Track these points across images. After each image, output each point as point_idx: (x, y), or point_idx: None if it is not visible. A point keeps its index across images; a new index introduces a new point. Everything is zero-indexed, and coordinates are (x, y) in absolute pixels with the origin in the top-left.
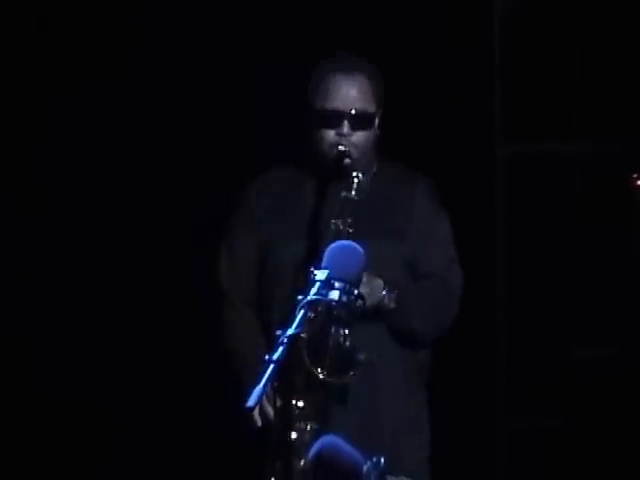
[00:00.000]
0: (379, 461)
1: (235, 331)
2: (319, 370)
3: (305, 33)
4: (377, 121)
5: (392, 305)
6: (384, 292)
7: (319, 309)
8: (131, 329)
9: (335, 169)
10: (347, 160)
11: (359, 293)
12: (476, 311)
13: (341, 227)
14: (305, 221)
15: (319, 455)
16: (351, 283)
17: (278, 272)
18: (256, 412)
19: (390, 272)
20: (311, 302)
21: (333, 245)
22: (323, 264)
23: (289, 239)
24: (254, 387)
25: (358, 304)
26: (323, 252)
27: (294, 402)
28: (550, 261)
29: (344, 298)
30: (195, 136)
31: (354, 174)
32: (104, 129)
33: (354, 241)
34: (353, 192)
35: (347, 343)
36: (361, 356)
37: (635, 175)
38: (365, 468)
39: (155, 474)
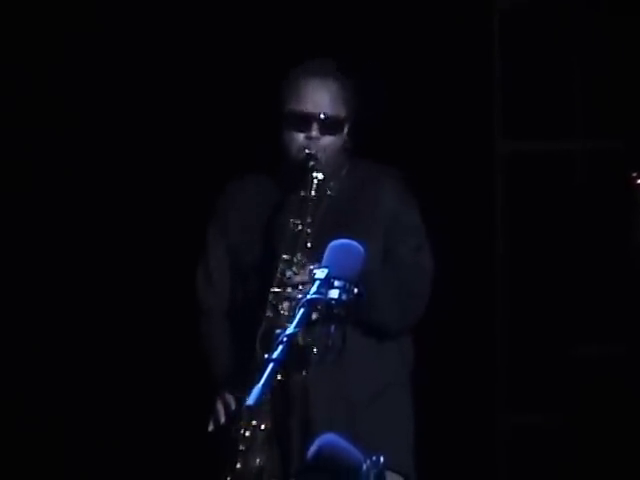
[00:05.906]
0: (378, 459)
1: (209, 339)
2: None
3: (308, 35)
4: (347, 127)
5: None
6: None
7: (319, 307)
8: (131, 329)
9: (301, 172)
10: (312, 162)
11: (359, 291)
12: (477, 309)
13: (300, 227)
14: (271, 226)
15: (318, 453)
16: (351, 281)
17: (244, 276)
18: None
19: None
20: (311, 301)
21: (333, 243)
22: (323, 262)
23: (254, 244)
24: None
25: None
26: (281, 254)
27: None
28: (552, 259)
29: (344, 297)
30: (195, 137)
31: (313, 174)
32: (103, 130)
33: (316, 241)
34: (312, 192)
35: (301, 341)
36: (316, 355)
37: (636, 173)
38: (364, 466)
39: (155, 474)
